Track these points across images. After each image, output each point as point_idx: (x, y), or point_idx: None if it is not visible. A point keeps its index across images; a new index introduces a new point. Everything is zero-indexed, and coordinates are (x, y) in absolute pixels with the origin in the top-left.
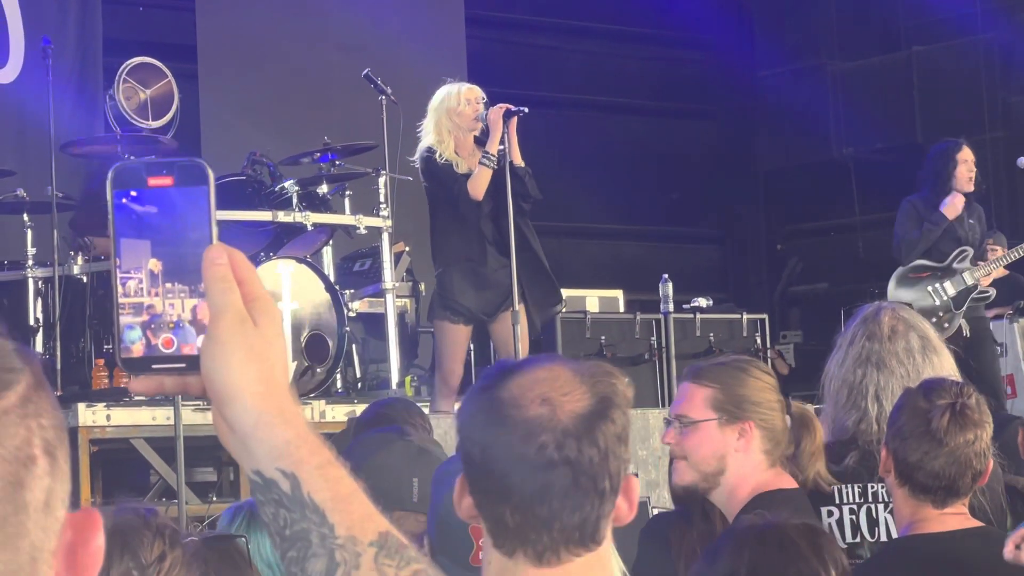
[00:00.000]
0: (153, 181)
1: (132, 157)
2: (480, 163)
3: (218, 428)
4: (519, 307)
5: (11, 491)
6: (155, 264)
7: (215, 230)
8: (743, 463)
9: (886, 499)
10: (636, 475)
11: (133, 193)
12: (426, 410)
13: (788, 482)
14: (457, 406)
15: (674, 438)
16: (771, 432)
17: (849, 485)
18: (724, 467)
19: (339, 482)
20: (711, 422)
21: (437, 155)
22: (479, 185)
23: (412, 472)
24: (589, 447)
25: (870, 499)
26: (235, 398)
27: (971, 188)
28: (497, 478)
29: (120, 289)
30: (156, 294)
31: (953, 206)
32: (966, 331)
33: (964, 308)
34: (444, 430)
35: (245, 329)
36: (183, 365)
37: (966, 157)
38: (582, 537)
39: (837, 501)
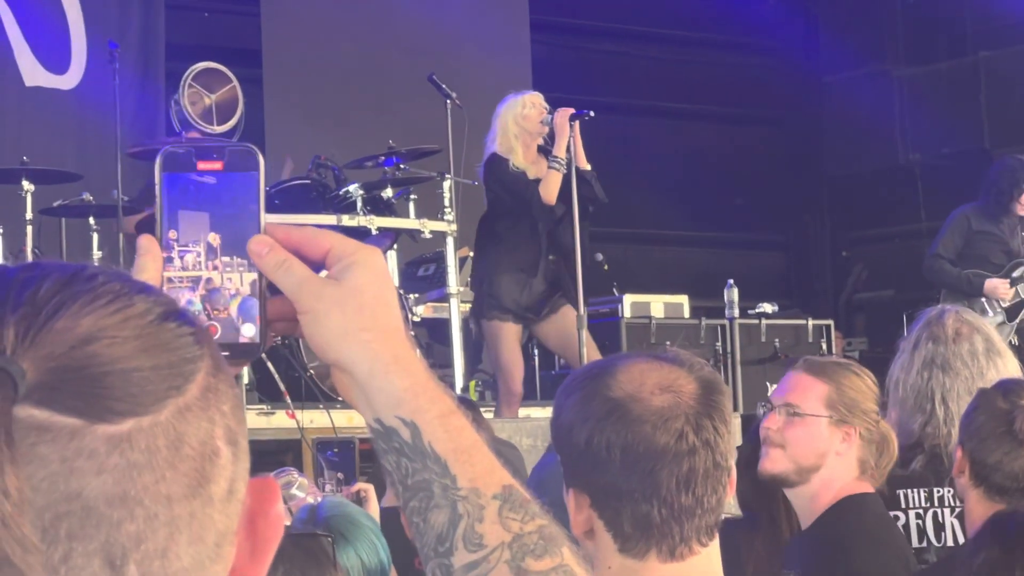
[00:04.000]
0: (203, 165)
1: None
2: (550, 167)
3: (338, 384)
4: (563, 307)
5: (197, 488)
6: (213, 237)
7: (263, 219)
8: (838, 466)
9: (952, 503)
10: None
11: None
12: (490, 416)
13: (869, 489)
14: (538, 411)
15: (778, 424)
16: (870, 442)
17: (916, 489)
18: (821, 465)
19: (461, 432)
20: (822, 419)
21: (509, 163)
22: (551, 189)
23: None
24: (720, 424)
25: (936, 503)
26: (344, 355)
27: None
28: (640, 475)
29: (179, 262)
30: (215, 267)
31: (994, 289)
32: (1015, 340)
33: (1018, 321)
34: (508, 434)
35: (328, 292)
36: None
37: None
38: (715, 522)
39: (903, 505)
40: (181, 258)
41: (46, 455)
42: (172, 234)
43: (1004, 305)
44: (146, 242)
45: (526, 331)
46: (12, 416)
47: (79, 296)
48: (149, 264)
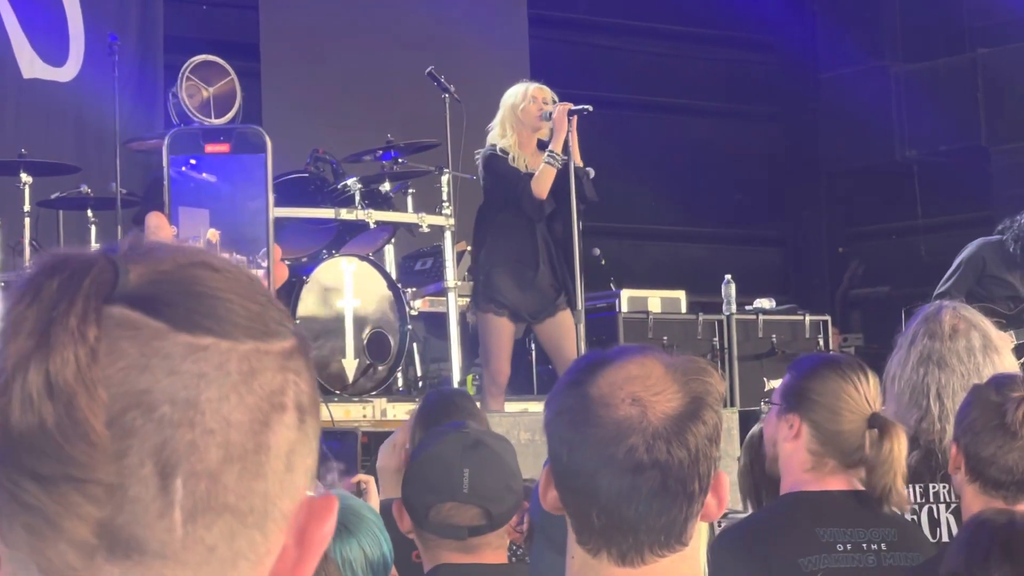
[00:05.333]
0: (210, 148)
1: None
2: (545, 162)
3: None
4: (562, 311)
5: (256, 428)
6: (213, 234)
7: (271, 198)
8: (787, 458)
9: (948, 499)
10: None
11: (192, 161)
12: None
13: (824, 485)
14: (535, 405)
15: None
16: (822, 434)
17: (910, 485)
18: (776, 456)
19: None
20: (775, 407)
21: (499, 150)
22: (543, 184)
23: (464, 463)
24: (679, 449)
25: (931, 499)
26: None
27: None
28: (584, 478)
29: None
30: None
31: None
32: None
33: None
34: (505, 429)
35: None
36: None
37: None
38: (667, 539)
39: None
40: None
41: (126, 349)
42: (173, 230)
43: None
44: (157, 220)
45: (523, 328)
46: (104, 311)
47: (194, 248)
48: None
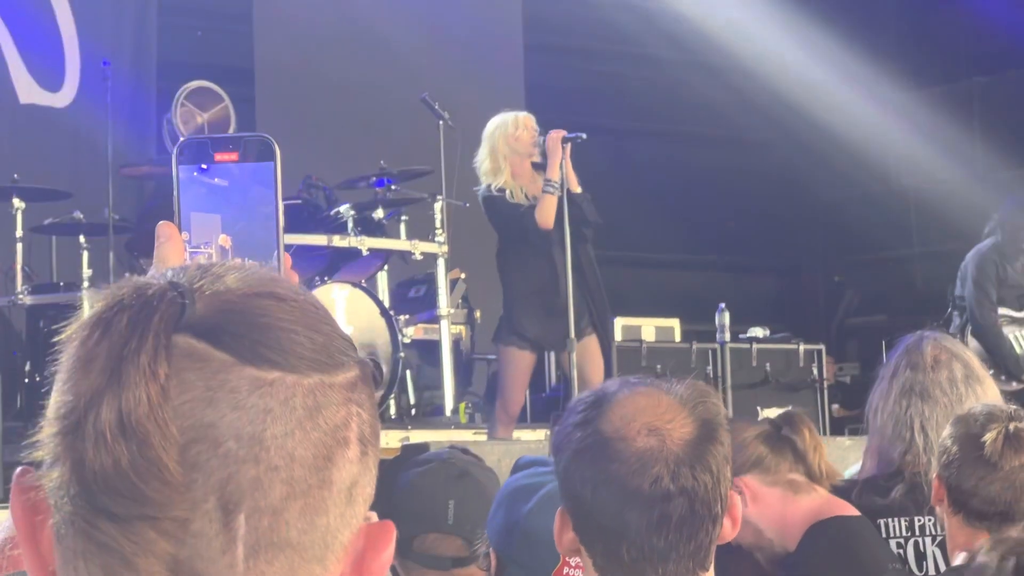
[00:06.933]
0: (220, 156)
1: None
2: (544, 191)
3: None
4: (588, 335)
5: (321, 463)
6: (225, 240)
7: (280, 206)
8: (766, 511)
9: (934, 532)
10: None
11: (204, 166)
12: (483, 438)
13: (843, 509)
14: (528, 434)
15: None
16: (762, 467)
17: (896, 518)
18: (759, 527)
19: None
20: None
21: (495, 189)
22: (547, 213)
23: (448, 494)
24: (703, 473)
25: (917, 532)
26: None
27: None
28: (611, 515)
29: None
30: None
31: None
32: None
33: None
34: (498, 457)
35: None
36: None
37: None
38: (694, 565)
39: (884, 535)
40: (192, 259)
41: (192, 381)
42: (184, 235)
43: None
44: (167, 229)
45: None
46: (172, 341)
47: (263, 274)
48: (172, 251)
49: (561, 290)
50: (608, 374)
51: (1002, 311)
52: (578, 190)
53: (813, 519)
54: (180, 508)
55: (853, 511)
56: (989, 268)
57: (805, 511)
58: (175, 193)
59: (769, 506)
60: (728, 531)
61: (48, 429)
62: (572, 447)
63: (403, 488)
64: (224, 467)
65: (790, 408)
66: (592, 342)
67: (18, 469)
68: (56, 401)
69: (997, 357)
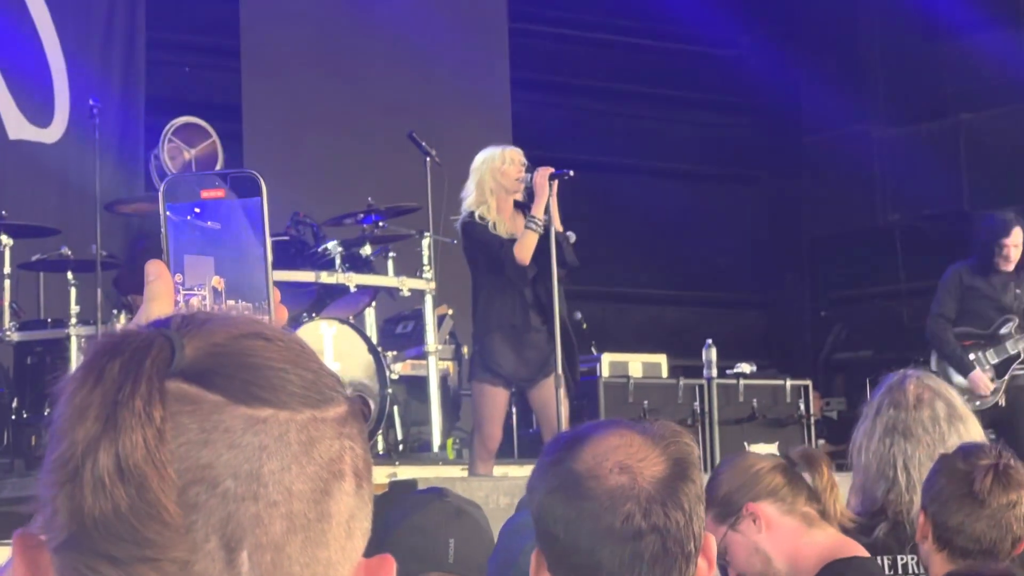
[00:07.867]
0: (206, 193)
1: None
2: (527, 227)
3: None
4: (561, 372)
5: (319, 496)
6: (218, 281)
7: (269, 241)
8: (780, 542)
9: (917, 571)
10: None
11: (197, 210)
12: (464, 474)
13: (859, 549)
14: (515, 470)
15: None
16: (778, 497)
17: (879, 557)
18: (769, 556)
19: None
20: (721, 531)
21: (478, 217)
22: (527, 250)
23: (448, 533)
24: (674, 511)
25: (900, 571)
26: None
27: (1010, 269)
28: (584, 553)
29: (183, 307)
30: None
31: (976, 385)
32: (1002, 401)
33: (1007, 377)
34: (485, 493)
35: None
36: None
37: (1013, 242)
38: None
39: None
40: (186, 302)
41: (187, 424)
42: (178, 277)
43: (993, 362)
44: (156, 267)
45: (516, 394)
46: (165, 387)
47: (245, 318)
48: (162, 289)
49: (532, 326)
50: (593, 411)
51: (966, 329)
52: (560, 229)
53: (830, 556)
54: (181, 549)
55: (866, 552)
56: (952, 280)
57: (821, 547)
58: (163, 231)
59: (783, 537)
60: (704, 571)
61: (46, 480)
62: (545, 486)
63: (400, 527)
64: (224, 506)
65: (806, 446)
66: (551, 384)
67: (18, 530)
68: (53, 453)
69: (942, 356)
